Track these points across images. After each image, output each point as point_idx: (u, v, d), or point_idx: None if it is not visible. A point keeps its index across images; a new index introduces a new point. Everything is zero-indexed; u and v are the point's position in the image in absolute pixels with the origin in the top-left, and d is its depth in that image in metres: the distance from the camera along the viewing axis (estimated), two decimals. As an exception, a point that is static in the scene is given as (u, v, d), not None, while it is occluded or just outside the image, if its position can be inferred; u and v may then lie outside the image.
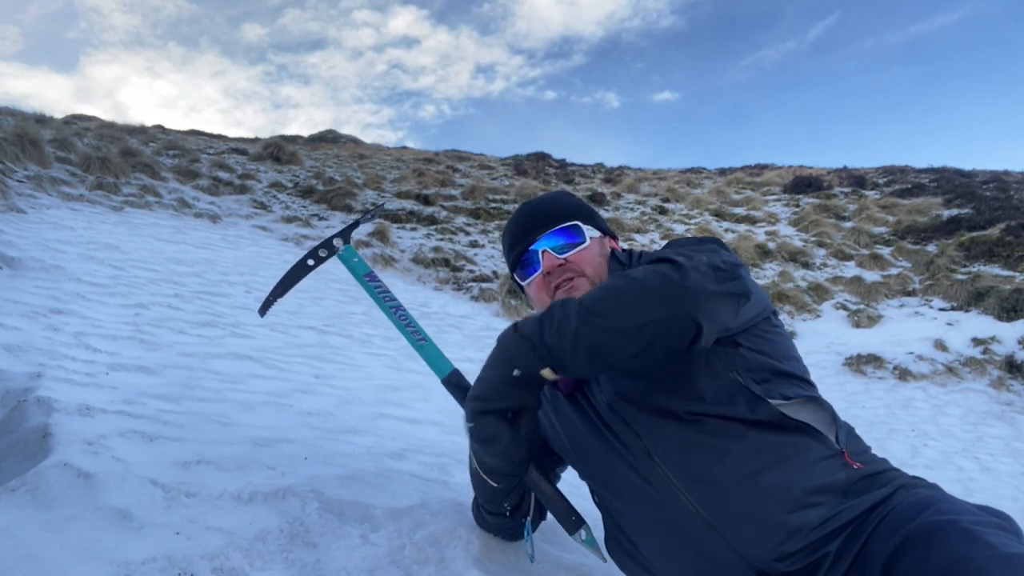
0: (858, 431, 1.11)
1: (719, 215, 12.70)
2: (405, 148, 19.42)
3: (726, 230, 11.72)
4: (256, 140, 15.66)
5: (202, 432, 1.62)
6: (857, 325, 7.80)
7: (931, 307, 7.98)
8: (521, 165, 16.59)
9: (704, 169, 18.93)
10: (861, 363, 6.61)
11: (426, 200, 10.98)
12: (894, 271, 9.37)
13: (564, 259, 1.20)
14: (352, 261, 1.37)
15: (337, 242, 1.37)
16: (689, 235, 10.80)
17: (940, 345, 6.87)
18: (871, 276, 9.22)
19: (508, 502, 1.24)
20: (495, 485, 1.17)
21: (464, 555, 1.26)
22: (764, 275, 9.33)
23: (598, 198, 13.08)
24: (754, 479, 0.94)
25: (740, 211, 13.03)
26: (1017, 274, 8.24)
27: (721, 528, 0.94)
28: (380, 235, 8.39)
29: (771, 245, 10.51)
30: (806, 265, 9.90)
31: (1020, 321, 6.97)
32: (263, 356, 2.74)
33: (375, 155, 16.01)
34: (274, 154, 12.36)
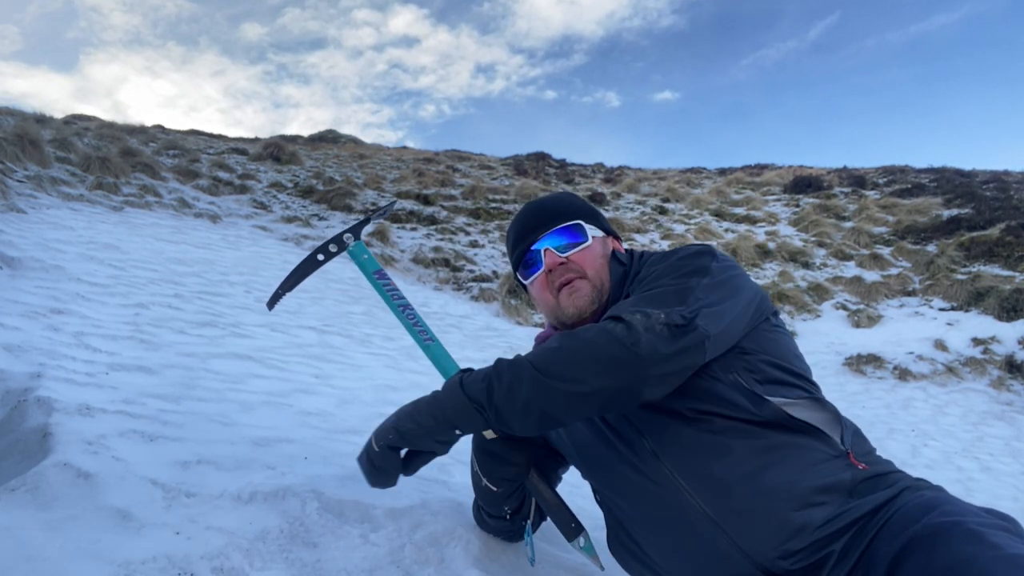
0: (858, 431, 1.12)
1: (719, 215, 12.70)
2: (405, 148, 19.42)
3: (726, 230, 11.72)
4: (256, 140, 15.67)
5: (202, 432, 1.62)
6: (857, 325, 7.80)
7: (931, 307, 7.98)
8: (521, 165, 16.59)
9: (704, 169, 18.93)
10: (861, 363, 6.61)
11: (426, 200, 10.98)
12: (894, 271, 9.37)
13: (566, 258, 1.20)
14: (362, 258, 1.36)
15: (348, 238, 1.36)
16: (690, 235, 10.81)
17: (940, 345, 6.87)
18: (871, 276, 9.22)
19: (508, 506, 1.24)
20: (495, 489, 1.17)
21: (464, 555, 1.26)
22: (764, 275, 9.33)
23: (598, 198, 13.08)
24: (758, 477, 0.95)
25: (740, 211, 13.03)
26: (1017, 274, 8.24)
27: (726, 526, 0.95)
28: (380, 235, 8.39)
29: (771, 245, 10.51)
30: (806, 265, 9.91)
31: (1020, 321, 6.97)
32: (263, 356, 2.74)
33: (375, 155, 16.01)
34: (274, 154, 12.36)
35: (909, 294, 8.58)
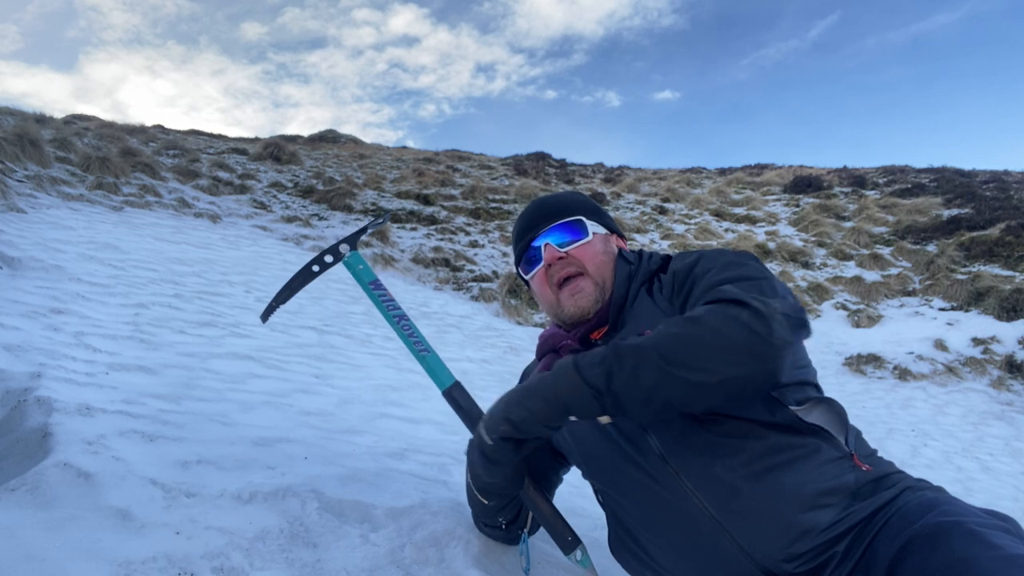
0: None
1: (719, 215, 12.70)
2: (405, 148, 19.43)
3: (726, 230, 11.71)
4: (256, 140, 15.67)
5: (202, 432, 1.62)
6: (857, 325, 7.80)
7: (931, 307, 7.98)
8: (521, 165, 16.59)
9: (704, 169, 18.93)
10: (861, 363, 6.61)
11: (426, 200, 10.98)
12: (894, 271, 9.38)
13: (565, 253, 1.20)
14: (358, 268, 1.35)
15: (344, 248, 1.36)
16: (690, 235, 10.80)
17: (940, 345, 6.87)
18: (871, 276, 9.22)
19: (503, 517, 1.24)
20: (486, 503, 1.17)
21: (464, 555, 1.26)
22: (764, 275, 9.32)
23: (598, 198, 13.08)
24: (766, 479, 0.94)
25: (740, 211, 13.03)
26: (1017, 274, 8.24)
27: (731, 527, 0.94)
28: (380, 235, 8.39)
29: (771, 245, 10.51)
30: (806, 265, 9.91)
31: (1020, 321, 6.97)
32: (263, 356, 2.74)
33: (375, 155, 16.01)
34: (274, 154, 12.36)
35: (909, 294, 8.58)
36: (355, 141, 20.03)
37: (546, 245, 1.21)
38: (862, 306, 8.29)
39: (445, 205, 10.92)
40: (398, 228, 9.22)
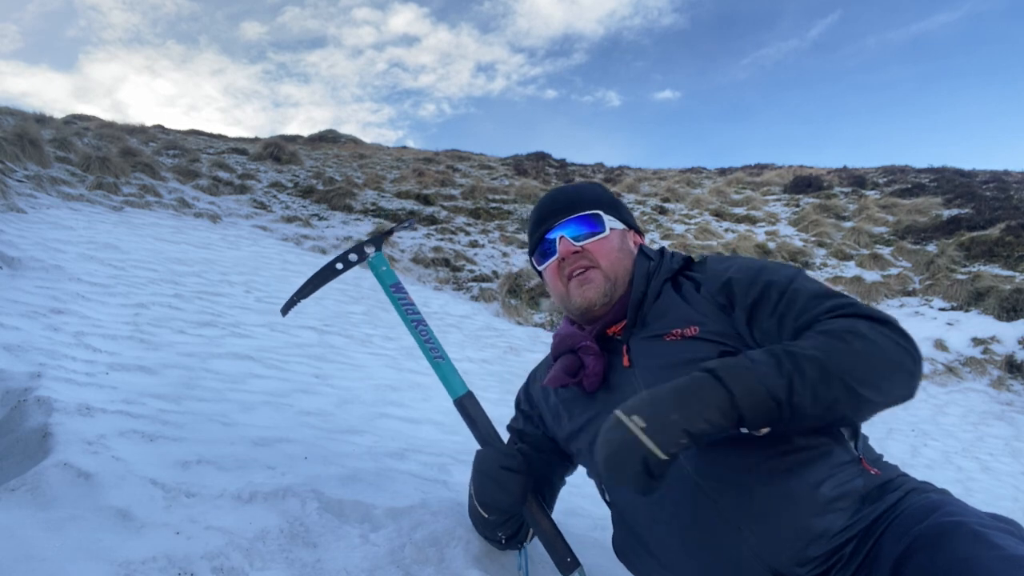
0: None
1: (719, 215, 12.70)
2: (405, 148, 19.43)
3: (726, 230, 11.72)
4: (256, 140, 15.67)
5: (202, 432, 1.62)
6: (857, 325, 7.80)
7: (931, 307, 7.98)
8: (521, 165, 16.59)
9: (704, 169, 18.93)
10: (861, 363, 6.61)
11: (426, 200, 10.98)
12: (894, 271, 9.38)
13: (580, 247, 1.18)
14: (381, 269, 1.35)
15: (368, 249, 1.35)
16: (690, 235, 10.80)
17: (940, 345, 6.87)
18: (871, 276, 9.22)
19: (503, 532, 1.23)
20: (487, 516, 1.16)
21: (464, 555, 1.26)
22: (764, 275, 9.33)
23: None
24: (781, 481, 0.93)
25: (740, 211, 13.03)
26: (1017, 274, 8.24)
27: (744, 529, 0.93)
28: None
29: (771, 245, 10.51)
30: (806, 265, 9.91)
31: (1020, 321, 6.97)
32: (263, 356, 2.74)
33: (375, 155, 16.01)
34: (274, 154, 12.36)
35: (909, 294, 8.58)
36: (355, 141, 20.03)
37: (561, 238, 1.19)
38: (862, 306, 8.29)
39: (445, 205, 10.92)
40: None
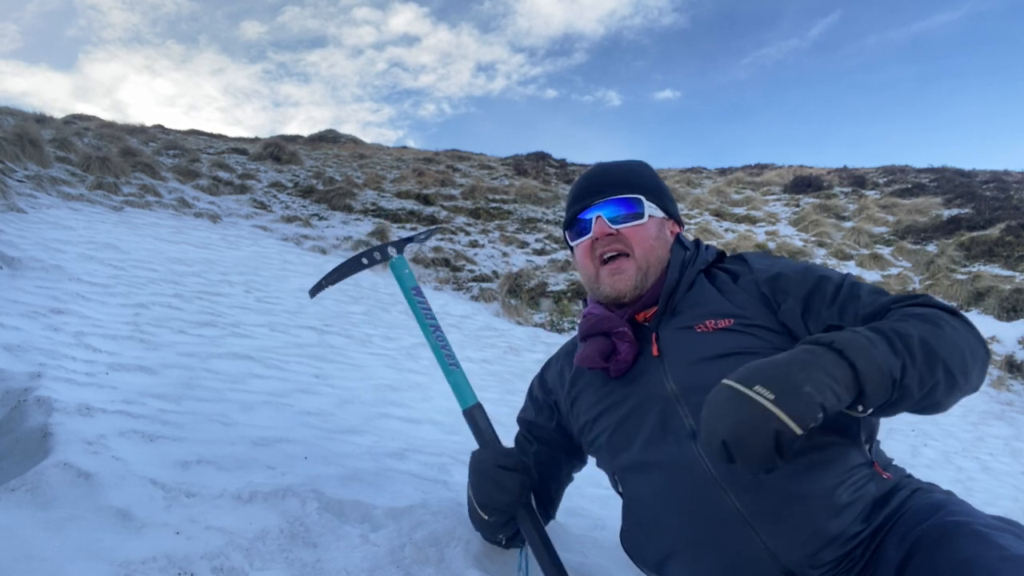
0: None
1: (719, 215, 12.70)
2: (405, 148, 19.43)
3: (726, 230, 11.71)
4: (256, 140, 15.67)
5: (202, 432, 1.62)
6: (857, 325, 7.80)
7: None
8: (521, 165, 16.59)
9: (704, 169, 18.94)
10: (861, 363, 6.61)
11: (426, 200, 10.98)
12: (894, 271, 9.37)
13: (616, 230, 1.15)
14: (403, 272, 1.35)
15: (391, 251, 1.36)
16: (690, 235, 10.81)
17: (940, 345, 6.87)
18: (871, 276, 9.22)
19: (503, 534, 1.22)
20: (487, 519, 1.15)
21: (464, 555, 1.26)
22: (764, 275, 9.33)
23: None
24: (799, 482, 0.92)
25: (740, 211, 13.03)
26: (1017, 274, 8.24)
27: (758, 526, 0.92)
28: (380, 235, 8.39)
29: (771, 245, 10.50)
30: (806, 265, 9.90)
31: (1020, 321, 6.97)
32: (263, 356, 2.74)
33: (375, 155, 16.01)
34: (274, 154, 12.36)
35: (909, 294, 8.58)
36: (355, 141, 20.03)
37: (597, 218, 1.16)
38: (862, 306, 8.29)
39: (445, 205, 10.92)
40: (398, 228, 9.22)
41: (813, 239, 11.02)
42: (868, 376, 0.80)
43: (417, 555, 1.23)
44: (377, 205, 10.08)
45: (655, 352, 1.09)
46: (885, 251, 10.28)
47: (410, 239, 1.43)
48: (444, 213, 10.40)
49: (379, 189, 11.28)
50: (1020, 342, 6.59)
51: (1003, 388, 6.02)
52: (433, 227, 1.61)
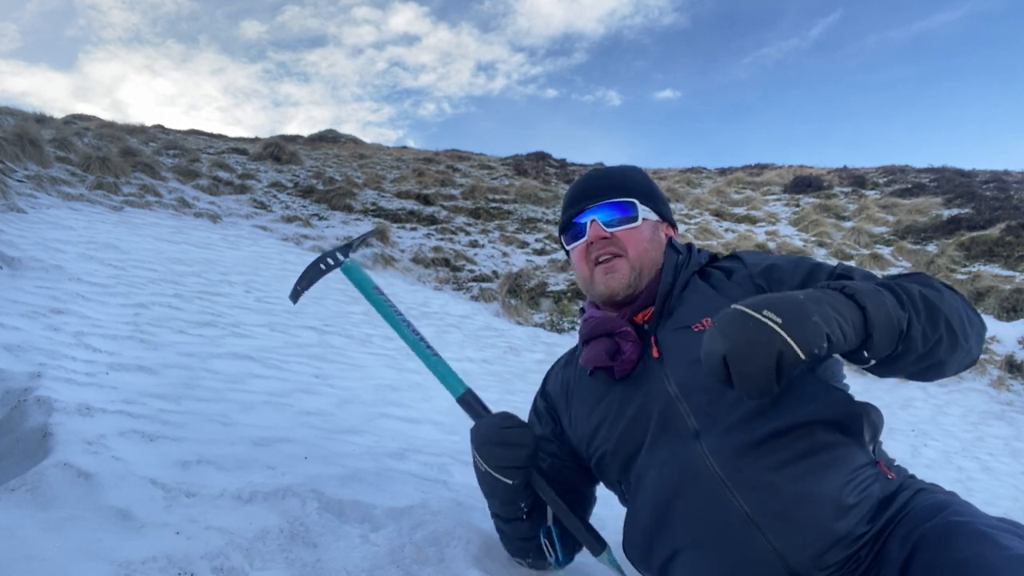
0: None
1: (719, 215, 12.70)
2: (405, 148, 19.43)
3: (726, 230, 11.71)
4: (256, 140, 15.67)
5: (202, 432, 1.62)
6: (857, 325, 7.80)
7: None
8: (521, 165, 16.59)
9: (704, 169, 18.94)
10: (861, 363, 6.60)
11: (426, 200, 10.98)
12: (894, 271, 9.38)
13: (611, 233, 1.17)
14: (359, 275, 1.35)
15: (339, 255, 1.36)
16: (690, 235, 10.80)
17: (940, 345, 6.87)
18: (871, 276, 9.22)
19: (523, 501, 1.18)
20: (509, 482, 1.11)
21: (464, 555, 1.26)
22: (764, 275, 9.33)
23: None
24: (805, 483, 0.93)
25: (740, 211, 13.03)
26: (1017, 274, 8.24)
27: (766, 528, 0.92)
28: (380, 235, 8.39)
29: (771, 245, 10.50)
30: (806, 265, 9.90)
31: (1020, 321, 6.97)
32: (263, 356, 2.74)
33: (375, 155, 16.01)
34: (274, 154, 12.36)
35: (909, 294, 8.58)
36: (355, 141, 20.03)
37: (592, 222, 1.18)
38: (862, 306, 8.29)
39: (445, 205, 10.92)
40: (398, 228, 9.22)
41: (813, 239, 11.02)
42: (877, 321, 0.81)
43: (417, 555, 1.23)
44: (377, 205, 10.08)
45: (655, 354, 1.10)
46: (885, 251, 10.28)
47: (349, 244, 1.43)
48: (444, 213, 10.40)
49: (379, 189, 11.28)
50: (1020, 342, 6.59)
51: (1003, 388, 6.02)
52: (370, 230, 1.63)
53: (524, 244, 9.58)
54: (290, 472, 1.46)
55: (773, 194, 14.97)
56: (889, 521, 0.93)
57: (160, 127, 14.46)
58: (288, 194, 9.79)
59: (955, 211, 11.65)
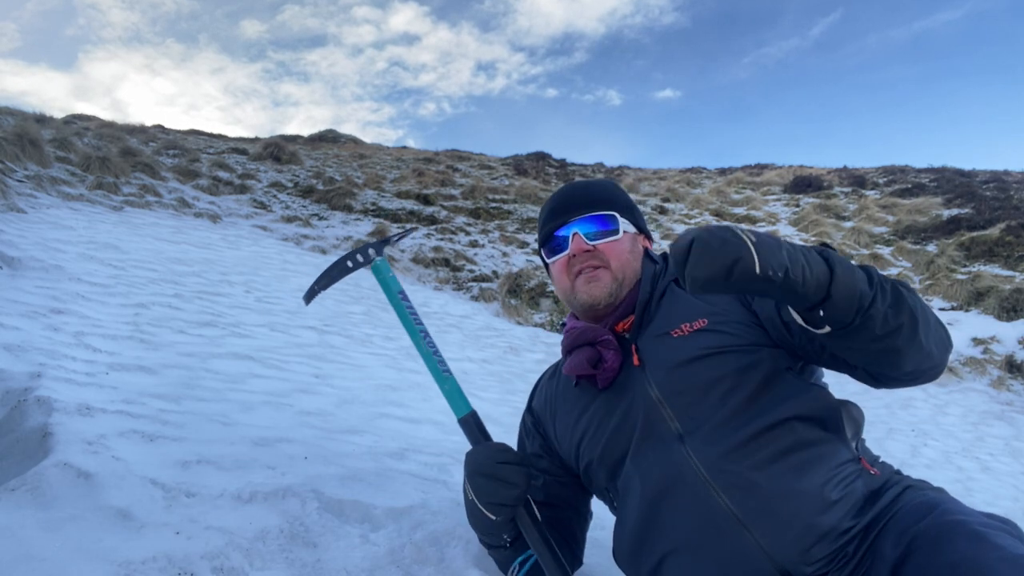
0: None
1: (719, 215, 12.70)
2: (405, 148, 19.43)
3: (726, 230, 11.71)
4: (256, 140, 15.67)
5: (202, 432, 1.62)
6: (857, 325, 7.79)
7: (931, 307, 7.98)
8: (521, 165, 16.59)
9: (704, 169, 18.94)
10: (861, 363, 6.61)
11: (426, 200, 10.98)
12: (894, 271, 9.37)
13: (593, 246, 1.18)
14: (387, 275, 1.32)
15: (372, 252, 1.33)
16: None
17: (940, 345, 6.87)
18: (871, 276, 9.22)
19: (507, 533, 1.18)
20: (493, 517, 1.11)
21: (464, 555, 1.26)
22: (764, 275, 9.33)
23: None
24: (788, 480, 0.94)
25: (740, 211, 13.03)
26: (1017, 274, 8.24)
27: (751, 526, 0.94)
28: (380, 235, 8.39)
29: (771, 245, 10.50)
30: (806, 265, 9.90)
31: (1020, 321, 6.97)
32: (263, 356, 2.74)
33: (375, 155, 16.01)
34: (274, 154, 12.36)
35: (909, 294, 8.58)
36: (355, 141, 20.03)
37: (575, 235, 1.19)
38: (862, 306, 8.29)
39: (445, 205, 10.92)
40: (398, 228, 9.22)
41: (813, 239, 11.02)
42: (840, 284, 0.83)
43: (417, 555, 1.23)
44: (377, 205, 10.08)
45: (636, 362, 1.11)
46: (885, 251, 10.28)
47: (386, 240, 1.40)
48: (444, 213, 10.40)
49: (379, 189, 11.28)
50: (1020, 342, 6.59)
51: (1003, 388, 6.02)
52: (409, 227, 1.56)
53: (524, 244, 9.58)
54: (290, 472, 1.46)
55: (773, 194, 14.97)
56: (878, 517, 0.94)
57: (160, 127, 14.46)
58: (288, 194, 9.80)
59: (955, 211, 11.65)
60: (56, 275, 3.07)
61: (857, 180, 15.61)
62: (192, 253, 5.09)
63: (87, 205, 6.02)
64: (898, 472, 1.05)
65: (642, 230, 1.28)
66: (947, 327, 0.98)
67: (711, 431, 1.00)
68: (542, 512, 1.17)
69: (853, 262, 0.94)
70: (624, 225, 1.22)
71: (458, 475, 1.81)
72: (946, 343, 0.95)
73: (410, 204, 10.58)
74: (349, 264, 1.33)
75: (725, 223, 1.17)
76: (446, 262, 8.10)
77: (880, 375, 0.95)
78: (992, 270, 8.52)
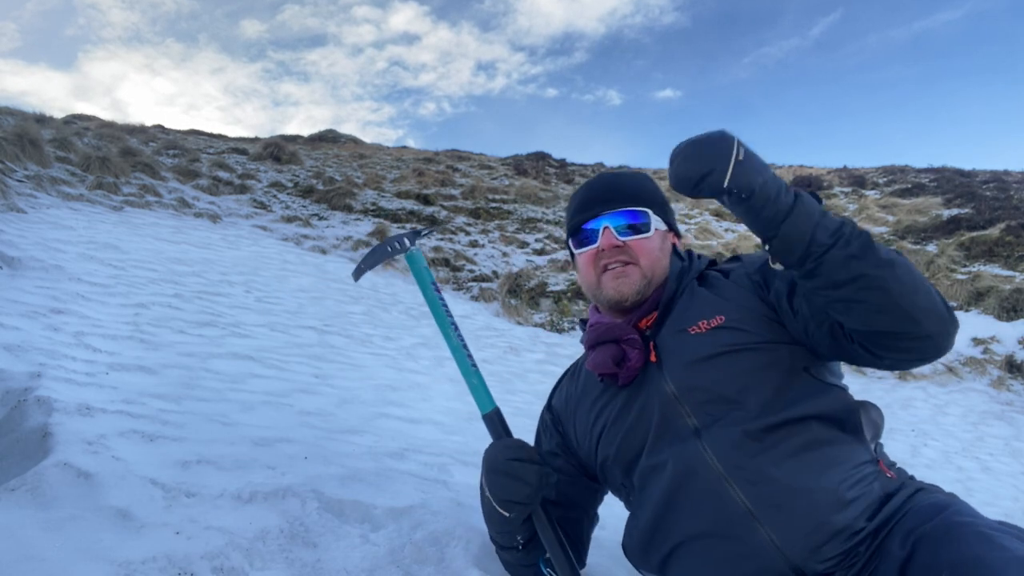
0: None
1: (719, 215, 12.70)
2: (405, 148, 19.43)
3: (726, 230, 11.72)
4: (256, 140, 15.67)
5: (202, 432, 1.62)
6: (857, 325, 7.79)
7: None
8: (521, 165, 16.59)
9: (704, 169, 18.92)
10: (861, 363, 6.60)
11: (426, 200, 10.98)
12: (894, 271, 9.37)
13: (623, 242, 1.17)
14: (421, 265, 1.30)
15: (407, 241, 1.31)
16: (690, 235, 10.79)
17: (940, 345, 6.86)
18: (871, 276, 9.22)
19: (521, 535, 1.17)
20: (507, 515, 1.10)
21: (464, 555, 1.26)
22: (764, 275, 9.33)
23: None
24: (805, 477, 0.94)
25: (740, 211, 13.03)
26: (1017, 274, 8.24)
27: (764, 520, 0.94)
28: (380, 235, 8.39)
29: (771, 245, 10.51)
30: (806, 265, 9.90)
31: (1020, 321, 6.97)
32: (263, 356, 2.74)
33: (375, 155, 16.01)
34: (274, 154, 12.36)
35: (909, 294, 8.57)
36: (355, 141, 20.03)
37: (605, 229, 1.17)
38: (862, 306, 8.29)
39: (445, 205, 10.92)
40: (398, 228, 9.22)
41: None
42: (790, 226, 0.89)
43: (417, 555, 1.23)
44: (377, 205, 10.08)
45: (653, 358, 1.11)
46: (885, 251, 10.28)
47: (417, 232, 1.40)
48: (444, 213, 10.40)
49: (379, 189, 11.28)
50: (1020, 342, 6.59)
51: (1003, 388, 6.02)
52: (439, 224, 1.55)
53: (524, 244, 9.58)
54: (290, 472, 1.46)
55: (773, 194, 14.97)
56: (889, 518, 0.94)
57: (160, 127, 14.47)
58: (288, 194, 9.80)
59: (955, 211, 11.65)
60: (56, 275, 3.07)
61: (857, 180, 15.61)
62: (192, 253, 5.09)
63: (87, 205, 6.02)
64: (911, 477, 1.06)
65: (672, 227, 1.27)
66: (951, 307, 0.96)
67: (728, 426, 1.00)
68: (551, 511, 1.17)
69: (839, 216, 0.96)
70: (656, 223, 1.20)
71: (458, 475, 1.81)
72: (940, 315, 0.91)
73: (410, 204, 10.58)
74: (389, 249, 1.32)
75: (734, 136, 1.15)
76: (446, 262, 8.10)
77: (874, 346, 0.94)
78: (992, 270, 8.52)
